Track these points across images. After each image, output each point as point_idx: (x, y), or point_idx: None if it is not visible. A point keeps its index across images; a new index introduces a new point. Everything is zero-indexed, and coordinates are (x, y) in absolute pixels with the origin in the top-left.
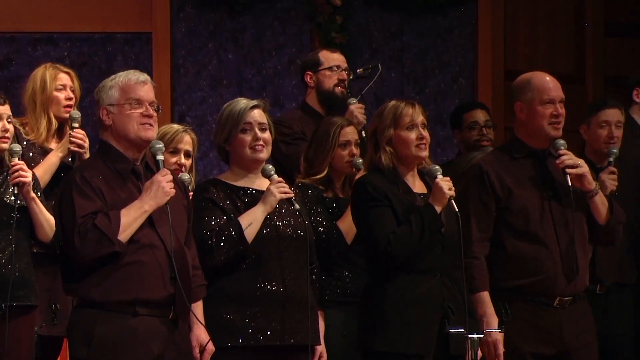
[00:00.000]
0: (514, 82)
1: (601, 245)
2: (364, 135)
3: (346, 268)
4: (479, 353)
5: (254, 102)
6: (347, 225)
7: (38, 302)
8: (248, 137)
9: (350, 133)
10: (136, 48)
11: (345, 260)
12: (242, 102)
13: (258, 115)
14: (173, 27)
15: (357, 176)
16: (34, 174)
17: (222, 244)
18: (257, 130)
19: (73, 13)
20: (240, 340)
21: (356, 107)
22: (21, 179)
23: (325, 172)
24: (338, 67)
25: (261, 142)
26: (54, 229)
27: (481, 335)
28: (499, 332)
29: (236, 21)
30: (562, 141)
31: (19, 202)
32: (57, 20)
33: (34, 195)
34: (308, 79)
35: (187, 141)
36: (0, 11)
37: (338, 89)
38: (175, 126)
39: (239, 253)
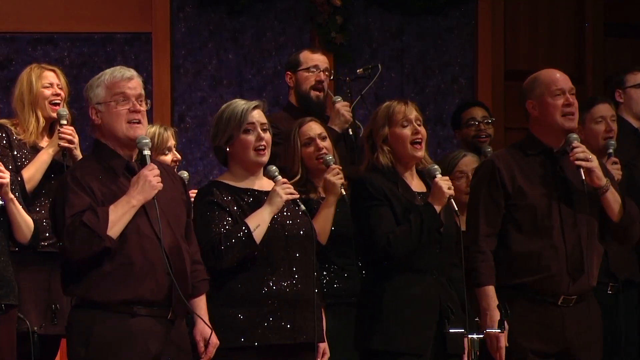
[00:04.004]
0: (523, 84)
1: (618, 243)
2: (350, 133)
3: (326, 269)
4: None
5: (255, 103)
6: (319, 224)
7: (17, 301)
8: (251, 138)
9: (311, 129)
10: (136, 48)
11: (326, 261)
12: (242, 103)
13: (259, 115)
14: (173, 27)
15: (327, 174)
16: (14, 175)
17: (232, 247)
18: (259, 130)
19: (73, 13)
20: (251, 340)
21: (342, 105)
22: None
23: (299, 175)
24: (316, 67)
25: (264, 144)
26: (32, 229)
27: (481, 336)
28: (499, 332)
29: (236, 21)
30: (575, 135)
31: None
32: (57, 20)
33: (12, 196)
34: (288, 79)
35: (171, 137)
36: (0, 11)
37: (314, 93)
38: (155, 129)
39: (248, 255)
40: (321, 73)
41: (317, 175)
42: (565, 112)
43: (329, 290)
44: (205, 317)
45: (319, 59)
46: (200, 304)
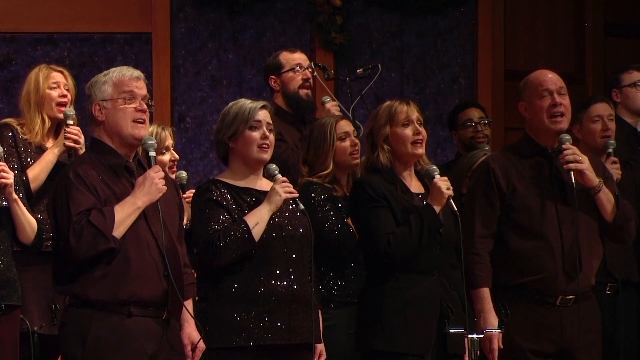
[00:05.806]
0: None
1: (614, 242)
2: None
3: (351, 268)
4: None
5: (263, 103)
6: None
7: (20, 302)
8: (257, 135)
9: (346, 125)
10: (136, 48)
11: (352, 260)
12: (250, 102)
13: (266, 115)
14: (173, 27)
15: None
16: (18, 175)
17: (230, 244)
18: (265, 129)
19: (73, 13)
20: (247, 340)
21: (331, 105)
22: (2, 180)
23: (331, 168)
24: (300, 66)
25: (268, 142)
26: (35, 230)
27: (481, 335)
28: (499, 332)
29: (236, 21)
30: (567, 136)
31: None
32: (57, 20)
33: (16, 196)
34: (273, 83)
35: (168, 136)
36: (0, 11)
37: (303, 92)
38: (152, 128)
39: (246, 252)
40: (306, 71)
41: (341, 174)
42: (552, 112)
43: (355, 289)
44: (192, 321)
45: (300, 58)
46: (188, 308)
